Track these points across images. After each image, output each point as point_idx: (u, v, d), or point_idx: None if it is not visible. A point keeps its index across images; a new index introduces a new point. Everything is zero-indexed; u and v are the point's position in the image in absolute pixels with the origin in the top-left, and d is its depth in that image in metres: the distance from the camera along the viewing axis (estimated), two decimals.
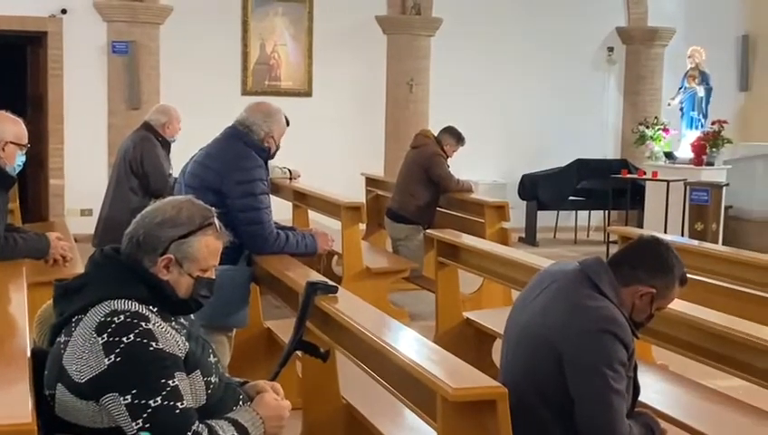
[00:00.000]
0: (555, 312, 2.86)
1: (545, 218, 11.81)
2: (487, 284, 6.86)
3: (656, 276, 2.91)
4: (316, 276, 4.05)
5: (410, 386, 2.86)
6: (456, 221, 7.59)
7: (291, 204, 8.32)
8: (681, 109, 11.09)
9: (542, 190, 11.60)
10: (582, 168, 11.79)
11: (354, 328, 3.26)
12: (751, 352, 3.35)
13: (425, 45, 11.57)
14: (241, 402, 2.58)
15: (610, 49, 12.73)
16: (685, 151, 10.90)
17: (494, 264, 5.25)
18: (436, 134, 8.11)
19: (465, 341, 5.44)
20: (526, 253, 5.58)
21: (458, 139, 8.03)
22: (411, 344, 3.06)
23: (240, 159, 4.48)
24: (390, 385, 3.07)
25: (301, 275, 4.05)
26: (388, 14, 11.51)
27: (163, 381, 2.34)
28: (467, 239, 5.62)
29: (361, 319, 3.32)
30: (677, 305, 3.67)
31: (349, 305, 3.55)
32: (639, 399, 3.60)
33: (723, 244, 9.88)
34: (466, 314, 5.63)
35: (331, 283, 3.74)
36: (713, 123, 10.71)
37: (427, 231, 6.12)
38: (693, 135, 10.86)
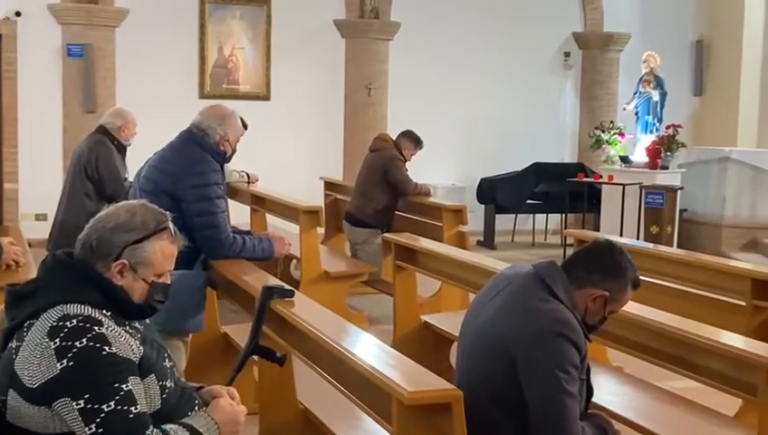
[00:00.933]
0: (509, 315, 2.88)
1: (503, 222, 11.89)
2: (445, 287, 6.88)
3: (609, 280, 2.94)
4: (273, 281, 4.04)
5: (366, 390, 2.86)
6: (414, 225, 7.61)
7: (248, 208, 8.28)
8: (636, 113, 11.23)
9: (501, 194, 11.67)
10: (540, 171, 11.88)
11: (310, 332, 3.25)
12: (703, 354, 3.39)
13: (383, 49, 11.60)
14: (196, 407, 2.56)
15: (567, 54, 12.85)
16: (640, 155, 11.03)
17: (452, 267, 5.27)
18: (394, 138, 8.12)
19: (423, 344, 5.45)
20: (484, 256, 5.61)
21: (417, 142, 8.06)
22: (367, 348, 3.07)
23: (195, 162, 4.45)
24: (347, 389, 3.07)
25: (257, 280, 4.04)
26: (347, 17, 11.52)
27: (116, 385, 2.32)
28: (425, 243, 5.63)
29: (318, 323, 3.32)
30: (632, 308, 3.72)
31: (305, 310, 3.55)
32: (594, 401, 3.64)
33: (677, 246, 10.02)
34: (424, 318, 5.64)
35: (287, 287, 3.73)
36: (667, 127, 10.85)
37: (385, 235, 6.12)
38: (648, 139, 11.00)
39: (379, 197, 7.80)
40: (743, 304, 4.80)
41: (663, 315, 3.74)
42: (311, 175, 9.97)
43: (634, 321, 3.73)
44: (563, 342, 2.78)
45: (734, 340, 3.30)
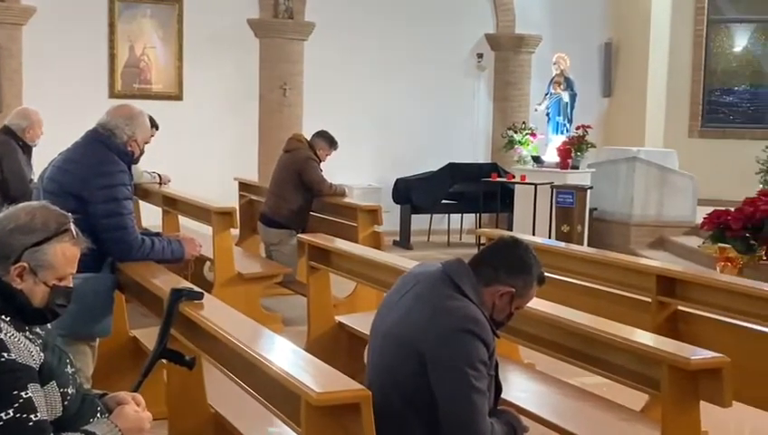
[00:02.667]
0: (418, 313, 2.89)
1: (419, 222, 11.96)
2: (361, 287, 6.88)
3: (515, 276, 2.97)
4: (182, 283, 3.97)
5: (276, 392, 2.84)
6: (329, 225, 7.60)
7: (160, 210, 8.15)
8: (547, 114, 11.42)
9: (416, 194, 11.74)
10: (455, 172, 11.99)
11: (219, 335, 3.21)
12: (610, 350, 3.45)
13: (298, 50, 11.55)
14: (99, 414, 2.50)
15: (480, 55, 12.99)
16: (551, 155, 11.22)
17: (366, 268, 5.27)
18: (309, 138, 8.09)
19: (338, 345, 5.44)
20: (398, 256, 5.64)
21: (331, 143, 8.04)
22: (277, 350, 3.04)
23: (102, 163, 4.36)
24: (257, 392, 3.04)
25: (166, 282, 3.97)
26: (261, 17, 11.44)
27: (15, 392, 2.25)
28: (339, 243, 5.63)
29: (227, 326, 3.28)
30: (543, 306, 3.78)
31: (215, 312, 3.50)
32: (505, 397, 3.69)
33: (588, 245, 10.22)
34: (339, 318, 5.63)
35: (196, 289, 3.67)
36: (577, 128, 11.07)
37: (300, 235, 6.10)
38: (559, 140, 11.20)
39: (293, 197, 7.76)
40: (648, 300, 4.91)
41: (572, 313, 3.79)
42: (225, 176, 9.87)
43: (544, 318, 3.78)
44: (471, 339, 2.80)
45: (639, 336, 3.37)
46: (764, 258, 8.96)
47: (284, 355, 2.99)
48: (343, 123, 10.57)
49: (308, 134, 8.31)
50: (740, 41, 14.61)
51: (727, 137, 14.04)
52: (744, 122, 14.34)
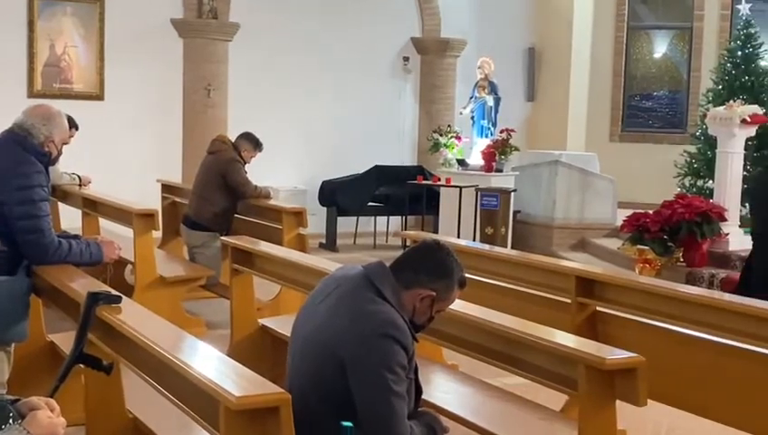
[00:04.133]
0: (338, 317, 2.89)
1: (345, 224, 11.95)
2: (285, 290, 6.85)
3: (436, 280, 2.99)
4: (100, 286, 3.90)
5: (195, 397, 2.80)
6: (254, 228, 7.55)
7: (80, 211, 7.99)
8: (472, 117, 11.52)
9: (342, 196, 11.73)
10: (381, 174, 12.03)
11: (137, 339, 3.16)
12: (529, 351, 3.49)
13: (222, 50, 11.44)
14: (11, 421, 2.43)
15: (406, 58, 13.05)
16: (476, 158, 11.32)
17: (290, 270, 5.24)
18: (233, 140, 8.02)
19: (261, 348, 5.40)
20: (323, 258, 5.62)
21: (256, 144, 7.99)
22: (196, 354, 3.01)
23: (18, 164, 4.26)
24: (176, 397, 3.00)
25: (83, 286, 3.89)
26: (185, 17, 11.30)
27: None
28: (262, 246, 5.58)
29: (145, 329, 3.23)
30: (465, 308, 3.81)
31: (132, 316, 3.45)
32: (428, 399, 3.72)
33: (511, 247, 10.34)
34: (262, 322, 5.59)
35: (114, 292, 3.61)
36: (501, 132, 11.19)
37: (223, 238, 6.04)
38: (483, 143, 11.31)
39: (217, 199, 7.69)
40: (568, 301, 4.99)
41: (493, 314, 3.83)
42: (148, 178, 9.72)
43: (466, 320, 3.81)
44: (390, 343, 2.80)
45: (556, 336, 3.41)
46: (681, 260, 9.21)
47: (204, 359, 2.95)
48: (269, 125, 10.51)
49: (232, 136, 8.25)
50: (659, 47, 14.98)
51: (646, 141, 14.37)
52: (663, 127, 14.70)
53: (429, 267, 2.99)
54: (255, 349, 5.33)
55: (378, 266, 3.00)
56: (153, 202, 8.35)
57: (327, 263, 5.09)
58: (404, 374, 2.83)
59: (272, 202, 7.90)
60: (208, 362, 2.94)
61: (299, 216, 7.35)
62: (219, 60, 11.42)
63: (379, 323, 2.82)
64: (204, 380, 2.69)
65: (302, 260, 5.22)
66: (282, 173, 11.73)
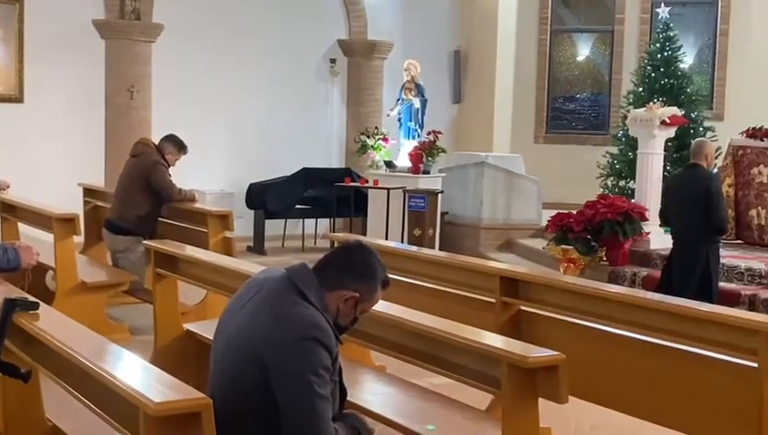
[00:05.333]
0: (260, 320, 2.86)
1: (273, 227, 11.88)
2: (212, 294, 6.77)
3: (359, 281, 2.98)
4: (17, 293, 3.81)
5: (115, 404, 2.76)
6: (179, 231, 7.45)
7: None
8: (399, 119, 11.58)
9: (270, 199, 11.67)
10: (309, 176, 12.00)
11: (55, 346, 3.10)
12: (456, 351, 3.51)
13: (145, 51, 11.25)
14: None
15: (333, 61, 13.05)
16: (404, 160, 11.38)
17: (216, 274, 5.19)
18: (157, 142, 7.91)
19: (186, 353, 5.33)
20: (250, 262, 5.58)
21: (180, 147, 7.87)
22: (115, 360, 2.96)
23: None
24: (95, 405, 2.95)
25: (0, 293, 3.79)
26: (106, 18, 11.09)
27: None
28: (187, 250, 5.52)
29: (63, 336, 3.16)
30: (390, 309, 3.82)
31: (51, 323, 3.37)
32: (354, 401, 3.72)
33: (439, 248, 10.40)
34: (187, 326, 5.52)
35: (31, 299, 3.53)
36: (428, 133, 11.27)
37: (146, 242, 5.95)
38: (410, 145, 11.37)
39: (140, 203, 7.56)
40: (493, 301, 5.04)
41: (417, 315, 3.84)
42: (69, 181, 9.52)
43: (391, 322, 3.82)
44: (314, 346, 2.79)
45: (479, 336, 3.44)
46: (604, 259, 9.38)
47: (123, 366, 2.91)
48: (194, 127, 10.40)
49: (157, 138, 8.13)
50: (582, 50, 15.25)
51: (570, 142, 14.62)
52: (586, 128, 14.97)
53: (352, 268, 2.99)
54: (180, 354, 5.26)
55: (301, 269, 2.99)
56: (75, 206, 8.19)
57: (253, 266, 5.05)
58: (328, 377, 2.82)
59: (197, 205, 7.80)
60: (128, 368, 2.89)
61: (225, 219, 7.28)
62: (143, 61, 11.23)
63: (303, 326, 2.81)
64: (123, 386, 2.65)
65: (227, 264, 5.17)
66: (208, 176, 11.61)
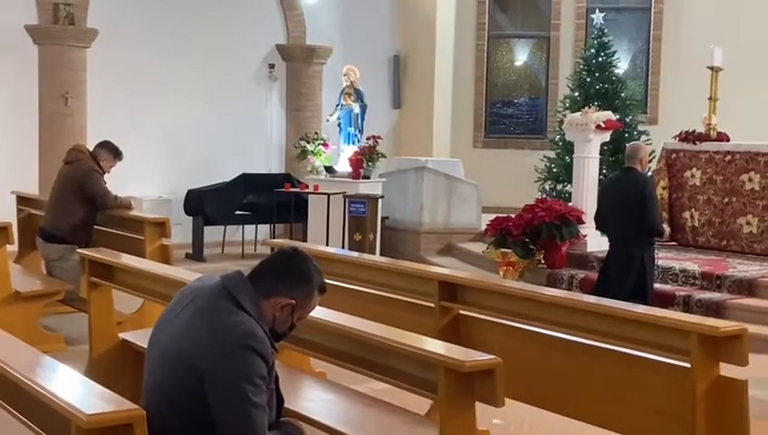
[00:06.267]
0: (195, 329, 2.83)
1: (213, 233, 11.78)
2: (149, 303, 6.68)
3: (295, 287, 2.97)
4: None
5: (46, 417, 2.70)
6: (115, 239, 7.34)
7: None
8: (339, 125, 11.58)
9: (209, 205, 11.57)
10: (248, 182, 11.93)
11: None
12: (394, 357, 3.51)
13: (80, 57, 11.09)
14: None
15: (272, 66, 12.99)
16: (344, 166, 11.38)
17: (152, 283, 5.12)
18: (91, 149, 7.80)
19: (122, 363, 5.24)
20: (188, 269, 5.50)
21: (115, 153, 7.77)
22: (46, 372, 2.90)
23: None
24: (25, 417, 2.88)
25: None
26: (40, 23, 10.90)
27: None
28: (122, 258, 5.43)
29: None
30: (330, 316, 3.80)
31: None
32: (293, 408, 3.70)
33: (380, 253, 10.43)
34: (123, 336, 5.43)
35: None
36: (368, 139, 11.29)
37: (80, 250, 5.85)
38: (350, 150, 11.38)
39: (75, 211, 7.43)
40: (432, 305, 5.05)
41: (356, 321, 3.83)
42: (3, 189, 9.33)
43: (330, 328, 3.80)
44: (250, 354, 2.77)
45: (417, 341, 3.44)
46: (542, 262, 9.49)
47: (55, 377, 2.85)
48: (131, 133, 10.28)
49: (92, 145, 8.01)
50: (519, 55, 15.41)
51: (508, 147, 14.76)
52: (524, 133, 15.13)
53: (288, 275, 2.97)
54: (115, 364, 5.18)
55: (235, 276, 2.96)
56: (8, 215, 8.04)
57: (190, 274, 4.99)
58: (264, 385, 2.80)
59: (133, 212, 7.70)
60: (60, 380, 2.83)
61: (162, 226, 7.18)
62: (77, 67, 11.07)
63: (238, 335, 2.78)
64: (54, 398, 2.60)
65: (164, 272, 5.10)
66: (145, 182, 11.47)
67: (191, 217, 11.55)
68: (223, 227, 11.95)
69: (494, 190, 12.72)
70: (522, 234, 9.31)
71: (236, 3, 12.44)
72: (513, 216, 9.59)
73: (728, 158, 9.96)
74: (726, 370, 3.88)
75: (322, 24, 13.23)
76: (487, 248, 9.84)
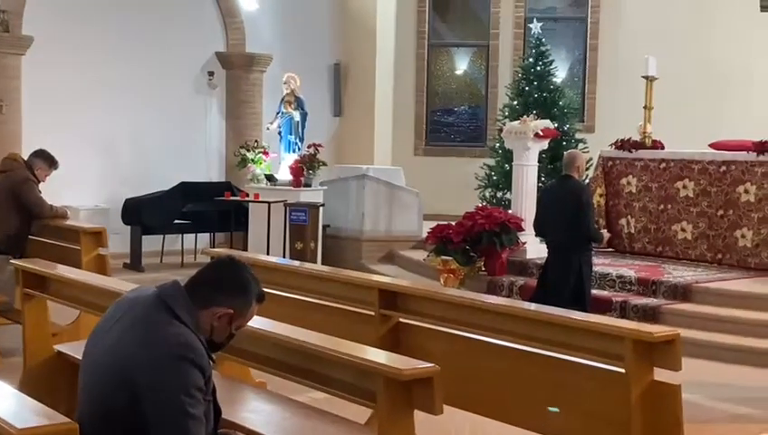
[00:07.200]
0: (130, 341, 2.79)
1: (152, 243, 11.65)
2: (85, 314, 6.58)
3: (233, 297, 2.94)
4: None
5: None
6: (51, 249, 7.24)
7: None
8: (279, 133, 11.54)
9: (147, 214, 11.43)
10: (187, 191, 11.83)
11: None
12: (333, 366, 3.50)
13: (15, 64, 10.89)
14: None
15: (211, 73, 12.90)
16: (284, 174, 11.34)
17: (88, 294, 5.04)
18: (26, 158, 7.66)
19: (57, 375, 5.14)
20: (125, 280, 5.44)
21: (51, 162, 7.66)
22: None
23: None
24: None
25: None
26: None
27: None
28: (57, 269, 5.35)
29: None
30: (268, 326, 3.78)
31: None
32: (232, 419, 3.67)
33: (322, 261, 10.41)
34: (58, 348, 5.33)
35: None
36: (309, 147, 11.27)
37: (13, 261, 5.73)
38: (291, 158, 11.35)
39: (9, 221, 7.31)
40: (372, 313, 5.06)
41: (295, 330, 3.81)
42: None
43: (268, 338, 3.79)
44: (187, 365, 2.73)
45: (355, 349, 3.43)
46: (483, 269, 9.56)
47: None
48: (67, 142, 10.13)
49: (28, 154, 7.87)
50: (459, 64, 15.54)
51: (449, 154, 14.85)
52: (464, 141, 15.25)
53: (224, 285, 2.94)
54: (51, 377, 5.08)
55: (172, 287, 2.93)
56: None
57: (127, 285, 4.93)
58: (201, 397, 2.77)
59: (69, 222, 7.59)
60: None
61: (98, 235, 7.10)
62: (12, 74, 10.88)
63: (175, 346, 2.75)
64: None
65: (100, 283, 5.03)
66: (82, 192, 11.30)
67: (129, 227, 11.40)
68: (162, 236, 11.81)
69: (435, 198, 12.79)
70: (462, 241, 9.37)
71: (175, 10, 12.33)
72: (453, 223, 9.65)
73: (663, 165, 10.16)
74: (661, 375, 3.95)
75: (263, 32, 13.18)
76: (428, 256, 9.88)
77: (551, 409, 3.66)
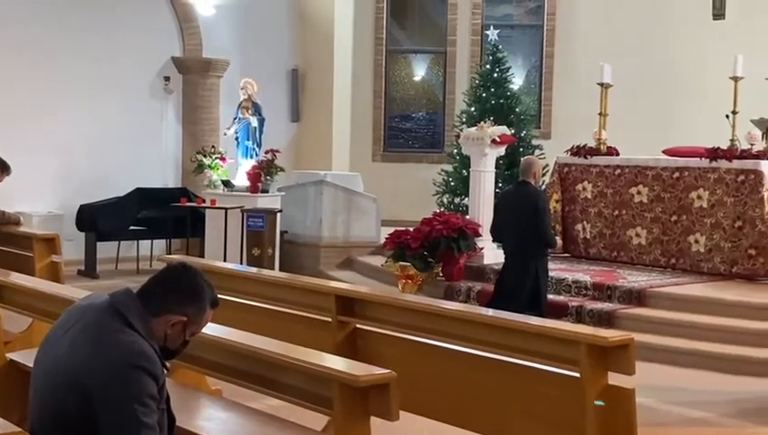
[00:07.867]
0: (83, 348, 2.75)
1: (107, 249, 11.51)
2: (38, 322, 6.49)
3: (186, 304, 2.91)
4: None
5: None
6: (3, 257, 7.18)
7: None
8: (237, 138, 11.47)
9: (102, 220, 11.31)
10: (143, 196, 11.73)
11: None
12: (288, 373, 3.49)
13: None
14: None
15: (167, 78, 12.79)
16: (242, 180, 11.27)
17: (41, 301, 4.99)
18: None
19: (9, 384, 5.05)
20: (79, 287, 5.38)
21: (3, 168, 7.56)
22: None
23: None
24: None
25: None
26: None
27: None
28: (8, 276, 5.27)
29: None
30: (223, 333, 3.76)
31: None
32: (187, 427, 3.64)
33: (279, 267, 10.37)
34: (11, 356, 5.25)
35: None
36: (266, 152, 11.22)
37: None
38: (248, 164, 11.29)
39: None
40: (329, 320, 5.05)
41: (250, 337, 3.80)
42: None
43: (223, 345, 3.77)
44: (139, 373, 2.70)
45: (311, 356, 3.43)
46: (440, 275, 9.58)
47: None
48: (19, 146, 9.96)
49: None
50: (417, 70, 15.60)
51: (407, 160, 14.89)
52: (422, 147, 15.30)
53: (178, 291, 2.91)
54: (2, 385, 5.00)
55: (124, 295, 2.89)
56: None
57: (80, 292, 4.88)
58: (154, 405, 2.73)
59: (22, 228, 7.51)
60: None
61: (51, 242, 7.03)
62: None
63: (127, 354, 2.72)
64: None
65: (53, 290, 4.99)
66: (35, 197, 11.13)
67: (84, 233, 11.27)
68: (117, 242, 11.69)
69: (393, 204, 12.81)
70: (420, 247, 9.38)
71: (131, 14, 12.22)
72: (411, 229, 9.66)
73: (618, 171, 10.26)
74: (615, 379, 3.99)
75: (220, 37, 13.11)
76: (386, 262, 9.88)
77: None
